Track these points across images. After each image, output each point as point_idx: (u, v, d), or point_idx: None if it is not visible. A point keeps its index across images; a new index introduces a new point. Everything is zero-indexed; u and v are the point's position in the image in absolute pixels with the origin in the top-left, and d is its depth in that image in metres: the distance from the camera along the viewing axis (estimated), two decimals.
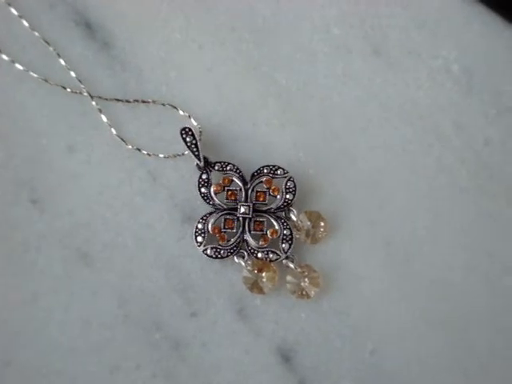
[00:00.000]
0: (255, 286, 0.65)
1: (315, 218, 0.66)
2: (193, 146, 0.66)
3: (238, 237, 0.65)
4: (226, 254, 0.65)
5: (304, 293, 0.65)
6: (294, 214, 0.66)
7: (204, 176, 0.66)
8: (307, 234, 0.66)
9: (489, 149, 0.67)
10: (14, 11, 0.69)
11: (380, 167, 0.67)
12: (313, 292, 0.65)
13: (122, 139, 0.67)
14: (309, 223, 0.65)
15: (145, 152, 0.67)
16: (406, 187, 0.67)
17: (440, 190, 0.67)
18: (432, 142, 0.67)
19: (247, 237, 0.65)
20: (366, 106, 0.68)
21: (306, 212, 0.66)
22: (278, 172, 0.65)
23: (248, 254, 0.65)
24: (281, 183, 0.66)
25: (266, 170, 0.66)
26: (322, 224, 0.66)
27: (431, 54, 0.69)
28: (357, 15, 0.69)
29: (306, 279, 0.65)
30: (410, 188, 0.67)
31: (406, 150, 0.67)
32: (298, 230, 0.66)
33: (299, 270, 0.65)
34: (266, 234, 0.65)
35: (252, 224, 0.65)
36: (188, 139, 0.66)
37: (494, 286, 0.66)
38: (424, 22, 0.69)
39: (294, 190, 0.65)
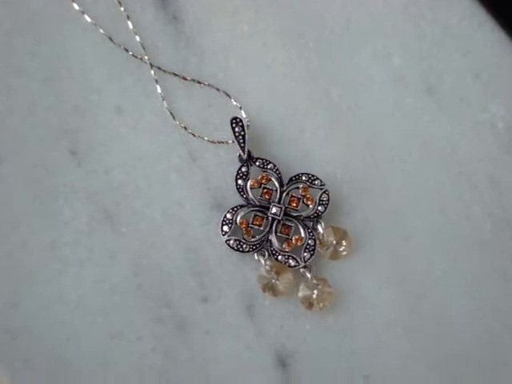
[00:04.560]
0: (268, 287, 0.65)
1: (340, 235, 0.66)
2: (240, 137, 0.66)
3: (264, 235, 0.65)
4: (247, 249, 0.65)
5: (313, 304, 0.65)
6: (321, 227, 0.66)
7: (244, 169, 0.66)
8: (328, 249, 0.66)
9: None
10: None
11: (410, 203, 0.68)
12: (321, 305, 0.65)
13: (171, 113, 0.67)
14: (333, 239, 0.66)
15: (190, 131, 0.67)
16: (430, 227, 0.68)
17: (462, 238, 0.68)
18: (464, 191, 0.68)
19: (272, 237, 0.65)
20: (408, 140, 0.69)
21: (332, 227, 0.66)
22: (316, 182, 0.66)
23: (269, 254, 0.66)
24: (315, 194, 0.66)
25: (304, 178, 0.66)
26: (345, 243, 0.66)
27: (481, 105, 0.69)
28: (419, 50, 0.70)
29: (319, 292, 0.65)
30: (435, 229, 0.68)
31: (438, 192, 0.68)
32: (320, 243, 0.66)
33: (315, 281, 0.65)
34: (291, 239, 0.65)
35: (280, 226, 0.66)
36: (237, 129, 0.66)
37: (494, 340, 0.67)
38: (480, 73, 0.70)
39: (327, 204, 0.66)
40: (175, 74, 0.68)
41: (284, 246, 0.65)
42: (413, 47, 0.70)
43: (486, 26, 0.70)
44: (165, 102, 0.68)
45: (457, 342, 0.67)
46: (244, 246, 0.65)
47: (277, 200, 0.66)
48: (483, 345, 0.67)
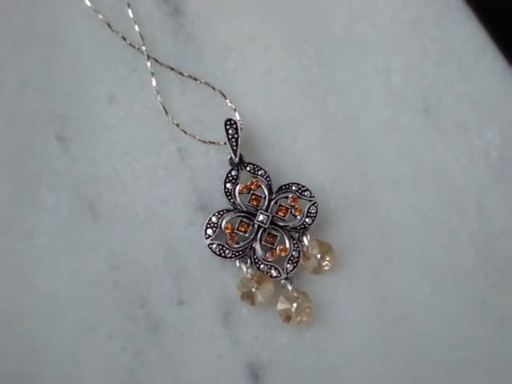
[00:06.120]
0: (247, 296, 0.64)
1: (325, 249, 0.65)
2: (233, 139, 0.65)
3: (248, 242, 0.64)
4: (230, 255, 0.64)
5: (291, 318, 0.64)
6: (306, 239, 0.65)
7: (233, 172, 0.64)
8: (311, 262, 0.65)
9: (503, 238, 0.67)
10: None
11: (397, 223, 0.67)
12: (299, 319, 0.64)
13: (164, 108, 0.66)
14: (317, 252, 0.64)
15: (181, 128, 0.65)
16: (415, 250, 0.67)
17: (446, 264, 0.67)
18: (452, 216, 0.67)
19: (256, 245, 0.64)
20: (402, 159, 0.68)
21: (318, 240, 0.65)
22: (305, 194, 0.65)
23: (251, 262, 0.64)
24: (304, 205, 0.64)
25: (294, 188, 0.65)
26: (328, 258, 0.65)
27: (477, 132, 0.69)
28: (420, 71, 0.69)
29: (298, 305, 0.63)
30: (419, 253, 0.67)
31: (426, 215, 0.67)
32: (304, 255, 0.65)
33: (295, 294, 0.64)
34: (276, 249, 0.64)
35: (265, 235, 0.64)
36: (231, 131, 0.65)
37: (468, 371, 0.66)
38: (479, 100, 0.69)
39: (315, 216, 0.65)
40: (172, 69, 0.67)
41: (267, 255, 0.64)
42: (415, 65, 0.69)
43: (489, 52, 0.70)
44: (159, 96, 0.66)
45: (431, 370, 0.66)
46: (227, 252, 0.64)
47: (264, 208, 0.64)
48: (457, 375, 0.66)
